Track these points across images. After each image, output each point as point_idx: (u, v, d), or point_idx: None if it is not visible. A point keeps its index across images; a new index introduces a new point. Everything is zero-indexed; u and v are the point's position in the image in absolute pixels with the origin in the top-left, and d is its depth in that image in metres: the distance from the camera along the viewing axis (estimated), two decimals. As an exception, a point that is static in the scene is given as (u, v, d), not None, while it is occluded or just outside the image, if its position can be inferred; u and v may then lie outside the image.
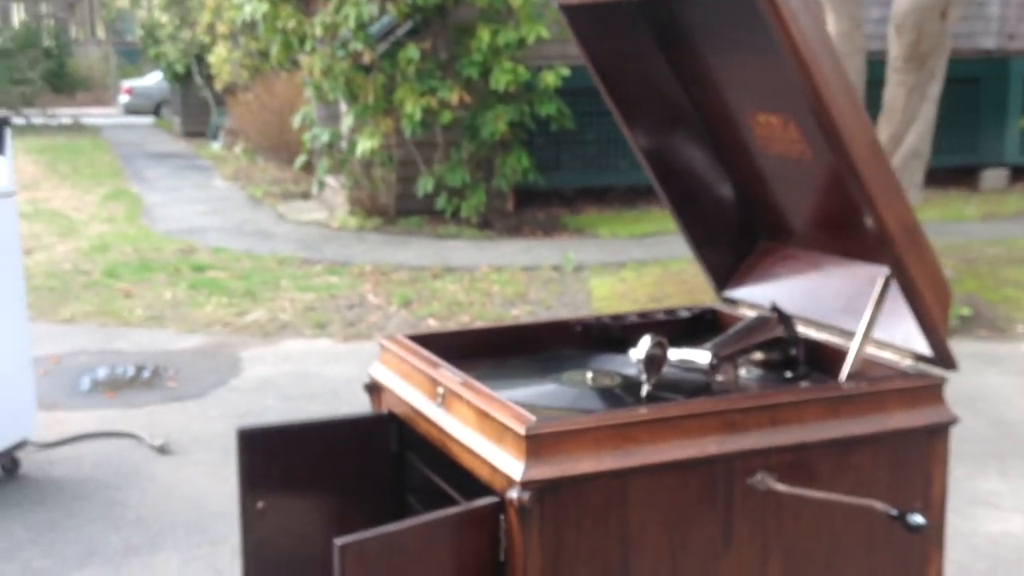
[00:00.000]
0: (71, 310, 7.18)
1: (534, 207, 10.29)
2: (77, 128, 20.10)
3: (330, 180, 10.21)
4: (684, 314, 2.20)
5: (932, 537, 1.77)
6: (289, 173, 12.26)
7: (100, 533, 3.70)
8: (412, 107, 8.68)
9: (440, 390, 1.78)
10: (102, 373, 5.62)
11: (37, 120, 18.75)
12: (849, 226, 1.88)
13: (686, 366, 1.87)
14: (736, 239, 2.21)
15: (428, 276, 7.71)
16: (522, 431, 1.55)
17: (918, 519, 1.58)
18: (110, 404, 5.07)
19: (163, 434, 4.52)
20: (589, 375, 1.92)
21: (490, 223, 9.65)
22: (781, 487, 1.64)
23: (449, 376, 1.78)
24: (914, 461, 1.75)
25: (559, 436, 1.56)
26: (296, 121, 10.14)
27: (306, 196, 11.37)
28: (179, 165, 14.88)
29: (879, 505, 1.63)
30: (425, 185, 9.22)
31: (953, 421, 1.75)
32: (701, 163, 2.15)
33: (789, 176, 1.97)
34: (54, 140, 18.05)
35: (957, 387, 6.08)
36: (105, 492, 4.05)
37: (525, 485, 1.53)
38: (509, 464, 1.57)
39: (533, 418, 1.59)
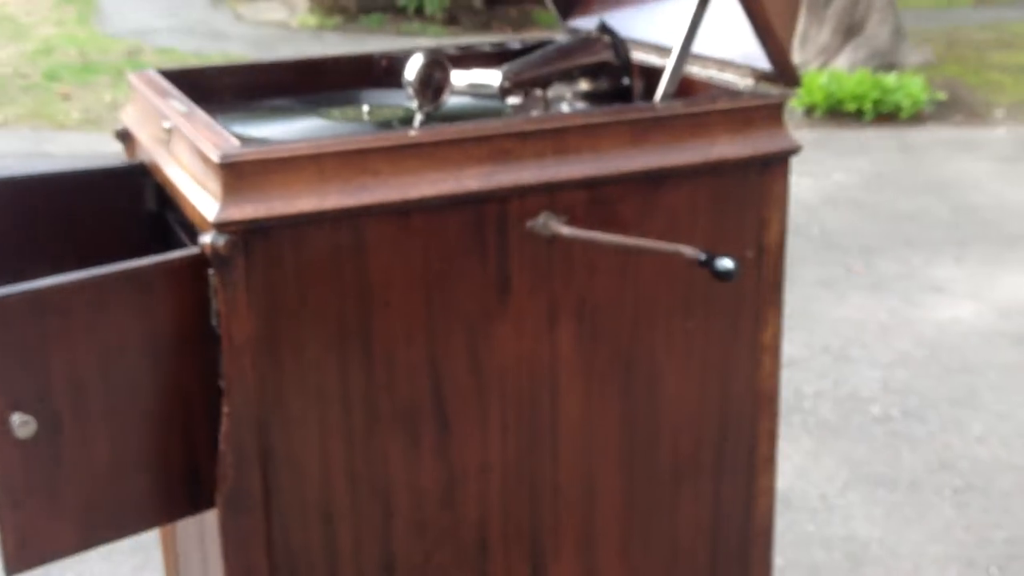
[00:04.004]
0: (4, 113, 6.83)
1: (506, 2, 9.74)
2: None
3: (288, -24, 9.66)
4: (515, 46, 1.83)
5: (767, 295, 1.44)
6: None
7: None
8: None
9: (166, 124, 1.44)
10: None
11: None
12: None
13: (477, 92, 1.52)
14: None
15: (381, 73, 7.29)
16: (216, 158, 1.21)
17: (726, 263, 1.25)
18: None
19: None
20: (366, 108, 1.58)
21: (457, 19, 9.15)
22: (567, 231, 1.32)
23: (176, 108, 1.44)
24: (745, 200, 1.41)
25: (268, 166, 1.22)
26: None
27: (269, -4, 10.80)
28: (145, -31, 14.20)
29: (687, 250, 1.30)
30: (385, -22, 8.69)
31: (795, 150, 1.40)
32: None
33: None
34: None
35: (926, 174, 5.80)
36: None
37: (221, 227, 1.21)
38: (208, 204, 1.24)
39: (235, 143, 1.25)
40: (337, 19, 9.29)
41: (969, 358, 3.50)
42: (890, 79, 6.25)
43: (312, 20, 9.33)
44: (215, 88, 1.69)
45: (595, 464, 1.41)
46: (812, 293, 4.00)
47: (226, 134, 1.29)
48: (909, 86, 6.19)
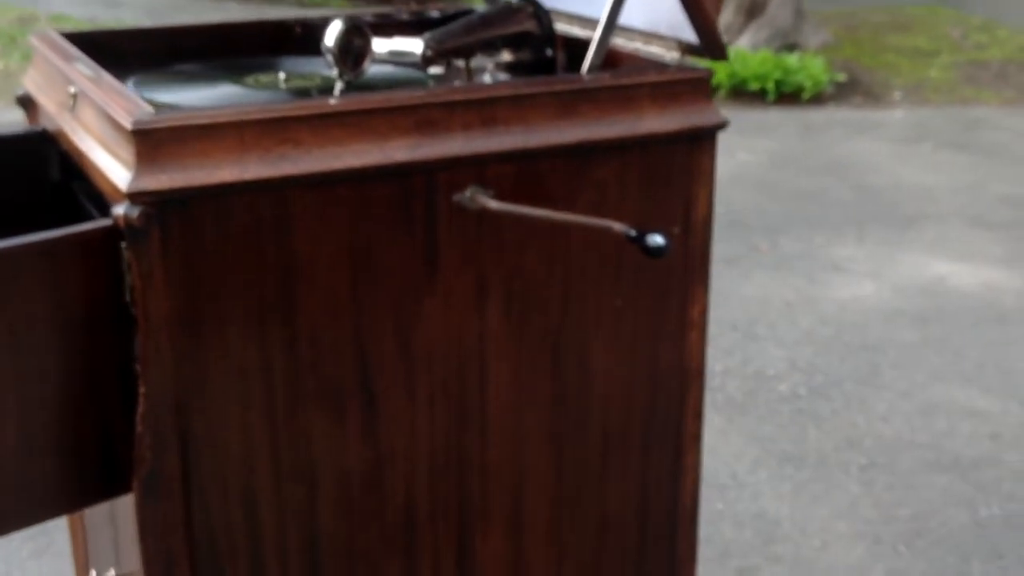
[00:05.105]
0: None
1: (410, -24, 9.65)
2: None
3: (185, -56, 9.41)
4: (435, 15, 1.79)
5: (695, 272, 1.43)
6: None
7: None
8: None
9: (72, 90, 1.37)
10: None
11: None
12: None
13: (398, 60, 1.48)
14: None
15: (283, 45, 7.16)
16: (128, 125, 1.15)
17: (657, 240, 1.24)
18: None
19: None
20: (281, 76, 1.53)
21: (360, -8, 9.01)
22: (495, 204, 1.28)
23: (82, 72, 1.37)
24: (673, 175, 1.39)
25: (184, 133, 1.17)
26: None
27: (164, -36, 10.51)
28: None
29: (617, 226, 1.28)
30: (285, -52, 8.53)
31: (722, 125, 1.39)
32: None
33: None
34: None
35: (827, 154, 5.91)
36: None
37: (135, 197, 1.15)
38: (120, 174, 1.18)
39: (148, 109, 1.19)
40: (237, -11, 9.08)
41: (871, 337, 3.57)
42: (792, 60, 6.33)
43: (211, -11, 9.11)
44: (121, 52, 1.62)
45: (524, 441, 1.38)
46: (718, 271, 4.03)
47: (138, 99, 1.23)
48: (810, 67, 6.27)
